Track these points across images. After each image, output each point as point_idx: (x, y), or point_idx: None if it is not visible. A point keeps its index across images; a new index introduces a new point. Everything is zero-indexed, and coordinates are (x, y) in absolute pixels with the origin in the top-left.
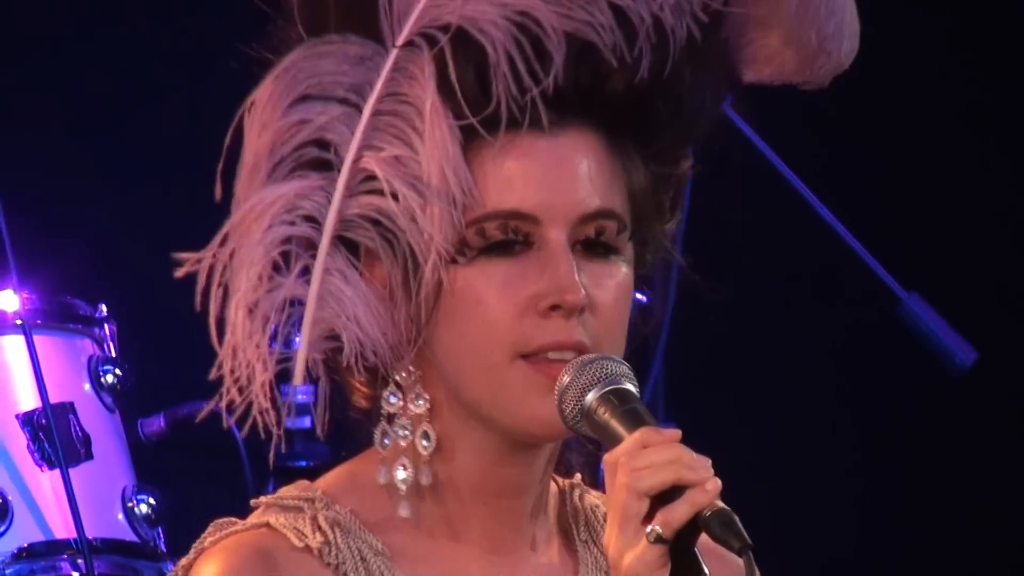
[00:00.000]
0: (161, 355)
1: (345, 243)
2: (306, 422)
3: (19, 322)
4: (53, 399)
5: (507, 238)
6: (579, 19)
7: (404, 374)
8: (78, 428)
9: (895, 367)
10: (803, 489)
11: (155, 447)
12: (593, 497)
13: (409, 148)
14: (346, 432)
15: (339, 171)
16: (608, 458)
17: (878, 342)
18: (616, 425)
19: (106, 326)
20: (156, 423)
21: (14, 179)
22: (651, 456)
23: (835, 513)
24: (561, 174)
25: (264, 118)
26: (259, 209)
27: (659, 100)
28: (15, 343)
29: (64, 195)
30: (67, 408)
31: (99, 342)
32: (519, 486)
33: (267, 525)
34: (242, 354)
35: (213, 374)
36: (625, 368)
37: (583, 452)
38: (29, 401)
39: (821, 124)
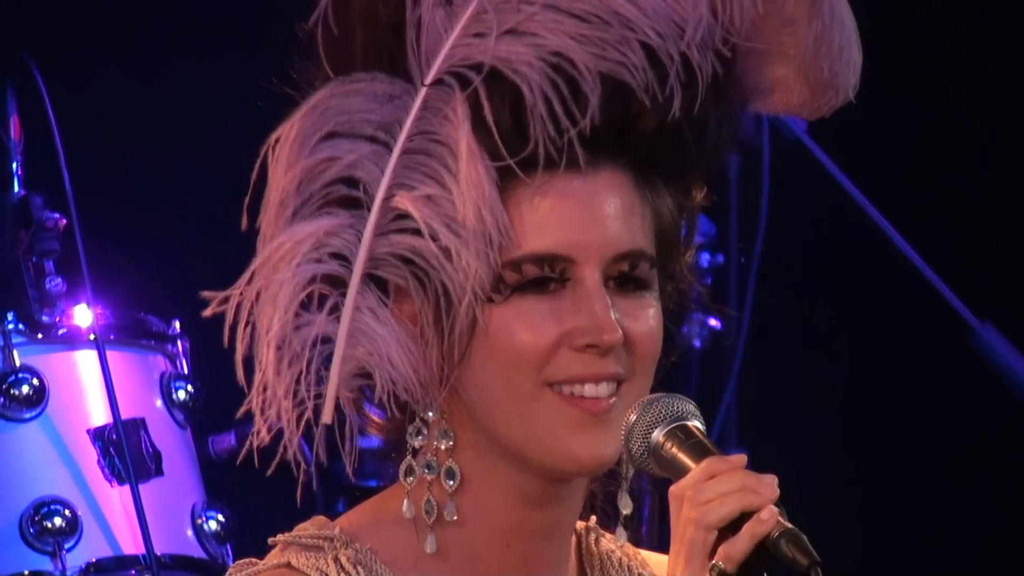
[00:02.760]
0: (233, 372)
1: (374, 281)
2: (375, 442)
3: (92, 337)
4: (125, 415)
5: (542, 276)
6: (613, 59)
7: (429, 414)
8: (149, 444)
9: (968, 396)
10: (878, 515)
11: (225, 464)
12: (607, 541)
13: (442, 187)
14: None
15: (368, 209)
16: (674, 490)
17: (951, 371)
18: (683, 458)
19: (179, 343)
20: (226, 440)
21: (91, 196)
22: (717, 487)
23: (914, 537)
24: (595, 213)
25: (292, 155)
26: (288, 247)
27: (687, 135)
28: (88, 358)
29: (140, 211)
30: (138, 424)
31: (172, 359)
32: (544, 530)
33: (288, 565)
34: (271, 391)
35: (241, 411)
36: (691, 406)
37: (602, 487)
38: (101, 416)
39: (897, 152)
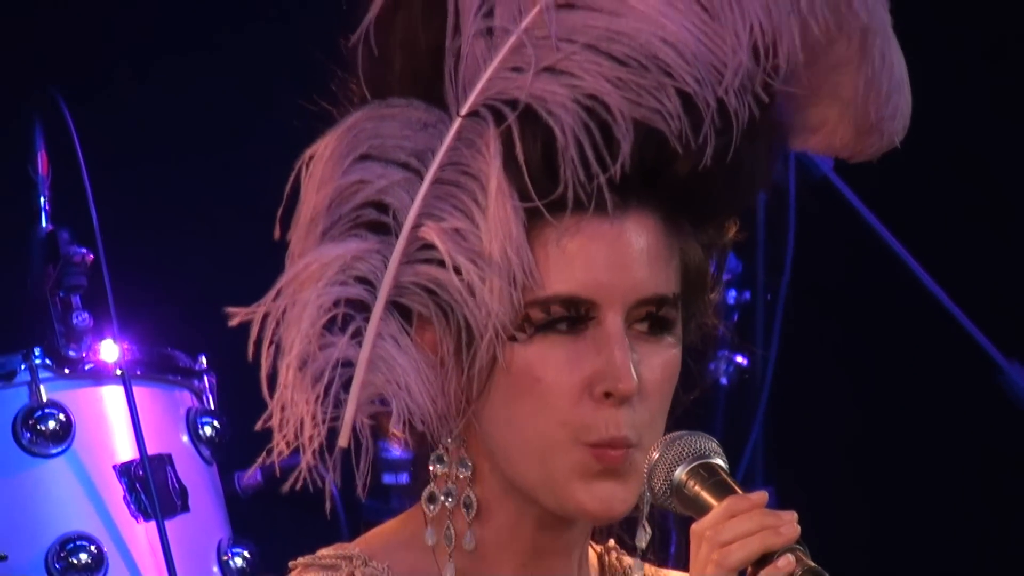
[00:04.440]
0: (259, 408)
1: (398, 307)
2: (403, 478)
3: (119, 372)
4: (151, 450)
5: (566, 317)
6: (648, 106)
7: (449, 441)
8: (175, 480)
9: (996, 434)
10: (905, 553)
11: (251, 500)
12: (628, 559)
13: (470, 221)
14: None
15: (396, 236)
16: (696, 528)
17: (979, 409)
18: (705, 496)
19: (205, 378)
20: (253, 476)
21: (118, 231)
22: (737, 527)
23: (935, 573)
24: (621, 257)
25: (324, 175)
26: (315, 267)
27: (718, 179)
28: (115, 393)
29: (167, 247)
30: (165, 460)
31: (198, 394)
32: (560, 550)
33: None
34: (290, 410)
35: (259, 426)
36: (714, 444)
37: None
38: (127, 452)
39: (925, 190)
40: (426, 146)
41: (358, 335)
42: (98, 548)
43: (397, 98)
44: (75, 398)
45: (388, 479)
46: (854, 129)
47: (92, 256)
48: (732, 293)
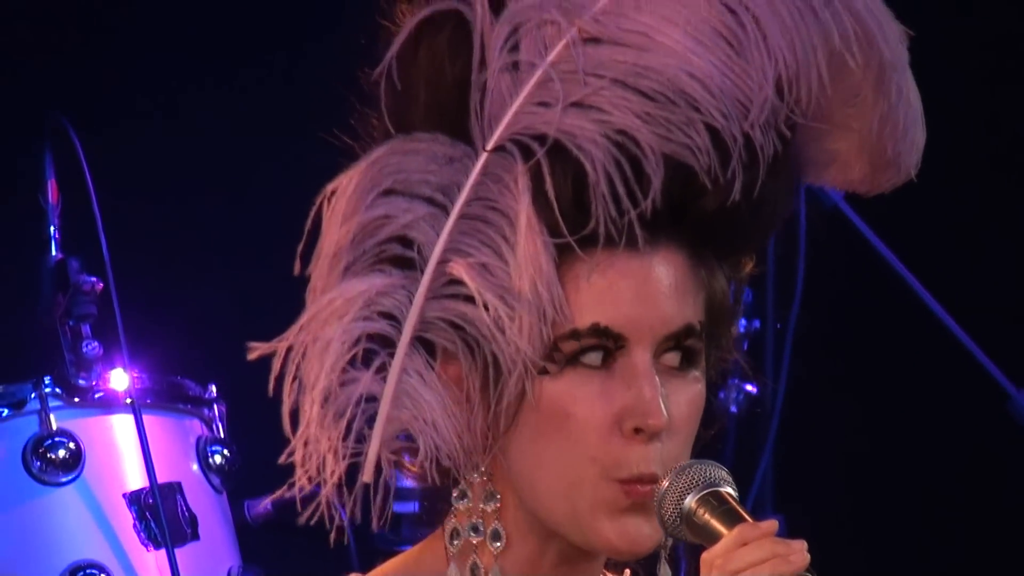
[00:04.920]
0: (269, 437)
1: (423, 342)
2: (413, 507)
3: (129, 401)
4: (161, 479)
5: (597, 346)
6: (677, 141)
7: (475, 476)
8: (185, 508)
9: (1006, 463)
10: None
11: (261, 529)
12: None
13: (498, 257)
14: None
15: (422, 271)
16: (706, 557)
17: (989, 437)
18: (716, 524)
19: (215, 407)
20: (263, 505)
21: (128, 260)
22: (747, 556)
23: None
24: (649, 292)
25: (348, 209)
26: (339, 303)
27: (744, 214)
28: (125, 422)
29: (177, 276)
30: (174, 488)
31: (208, 423)
32: (581, 573)
33: None
34: (313, 445)
35: (282, 460)
36: (724, 472)
37: None
38: (137, 480)
39: (935, 220)
40: (451, 181)
41: (382, 370)
42: None
43: (422, 132)
44: (85, 427)
45: (398, 507)
46: (870, 163)
47: (102, 285)
48: (742, 322)
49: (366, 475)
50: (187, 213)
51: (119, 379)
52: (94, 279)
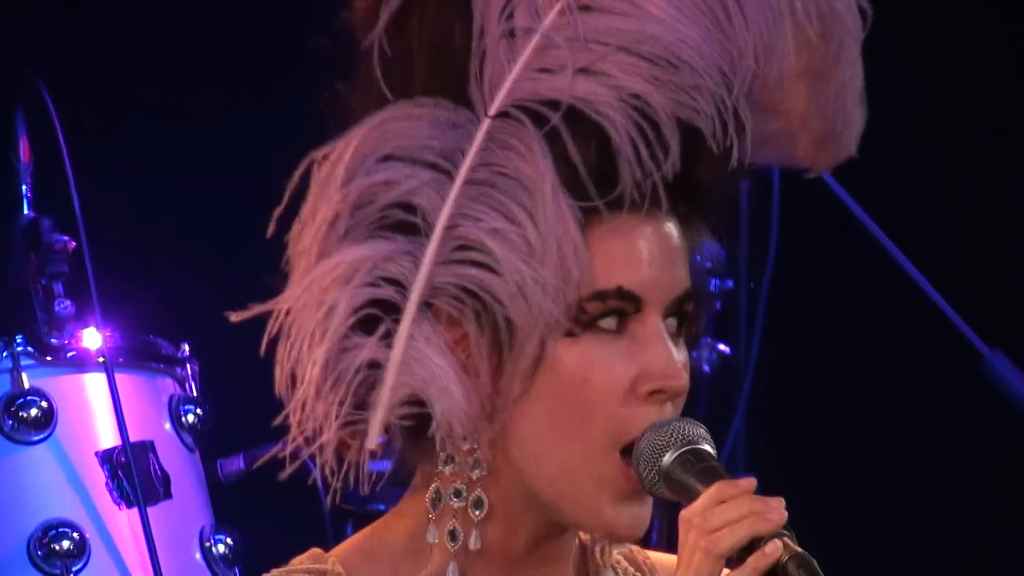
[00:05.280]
0: (242, 396)
1: (427, 308)
2: (386, 465)
3: (101, 360)
4: (133, 438)
5: (619, 310)
6: (687, 105)
7: (464, 443)
8: (157, 467)
9: (977, 424)
10: (888, 538)
11: (234, 488)
12: (616, 553)
13: (510, 222)
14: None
15: (427, 237)
16: (684, 514)
17: (961, 398)
18: (693, 482)
19: (188, 366)
20: (235, 464)
21: (101, 218)
22: (725, 514)
23: (918, 563)
24: (663, 255)
25: (347, 174)
26: (343, 268)
27: (731, 182)
28: (97, 381)
29: (150, 234)
30: (147, 447)
31: (181, 382)
32: (560, 555)
33: None
34: (310, 409)
35: (277, 422)
36: (702, 430)
37: None
38: (109, 439)
39: (909, 179)
40: (455, 146)
41: (387, 336)
42: (80, 535)
43: (424, 98)
44: (57, 385)
45: (371, 466)
46: (813, 139)
47: (74, 244)
48: (715, 281)
49: (370, 441)
50: (160, 172)
51: (91, 338)
52: (66, 238)
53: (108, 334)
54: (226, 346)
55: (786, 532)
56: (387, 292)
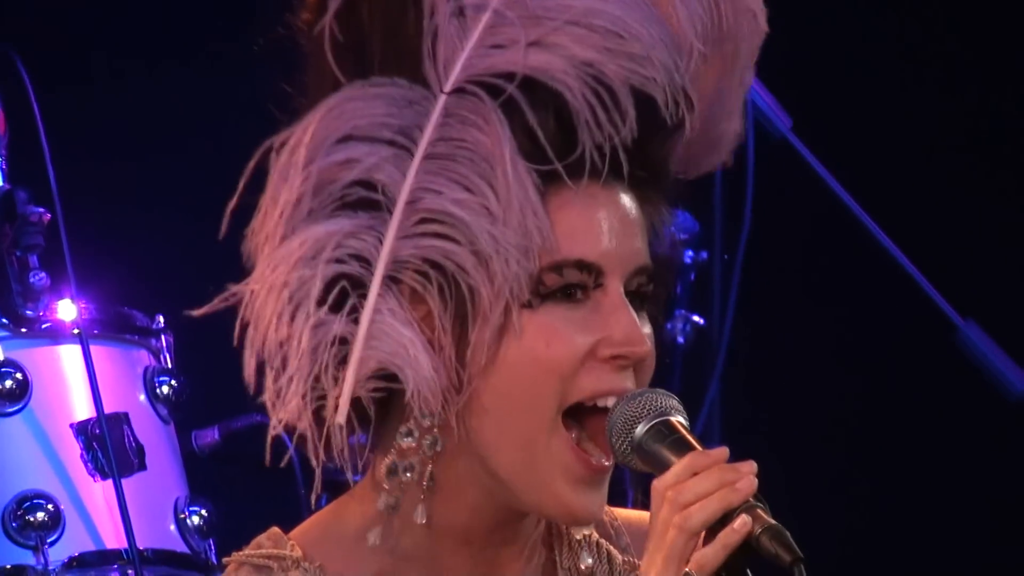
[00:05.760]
0: (217, 368)
1: (392, 283)
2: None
3: (76, 332)
4: (108, 409)
5: (577, 283)
6: (640, 74)
7: (426, 419)
8: (132, 439)
9: (951, 394)
10: (862, 510)
11: (208, 459)
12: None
13: (470, 193)
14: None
15: (389, 212)
16: (657, 485)
17: (934, 368)
18: (665, 453)
19: (163, 337)
20: (210, 435)
21: (76, 191)
22: (696, 487)
23: (891, 531)
24: (622, 225)
25: (307, 157)
26: (308, 246)
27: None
28: (72, 352)
29: (125, 207)
30: (122, 418)
31: (155, 353)
32: (514, 536)
33: None
34: (284, 388)
35: (256, 398)
36: (674, 401)
37: None
38: (84, 411)
39: (882, 150)
40: (412, 123)
41: (354, 312)
42: (55, 506)
43: (380, 77)
44: (32, 357)
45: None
46: (700, 140)
47: (50, 216)
48: (689, 253)
49: (340, 416)
50: (135, 145)
51: (66, 310)
52: (42, 210)
53: (83, 306)
54: (200, 318)
55: (759, 504)
56: (352, 268)
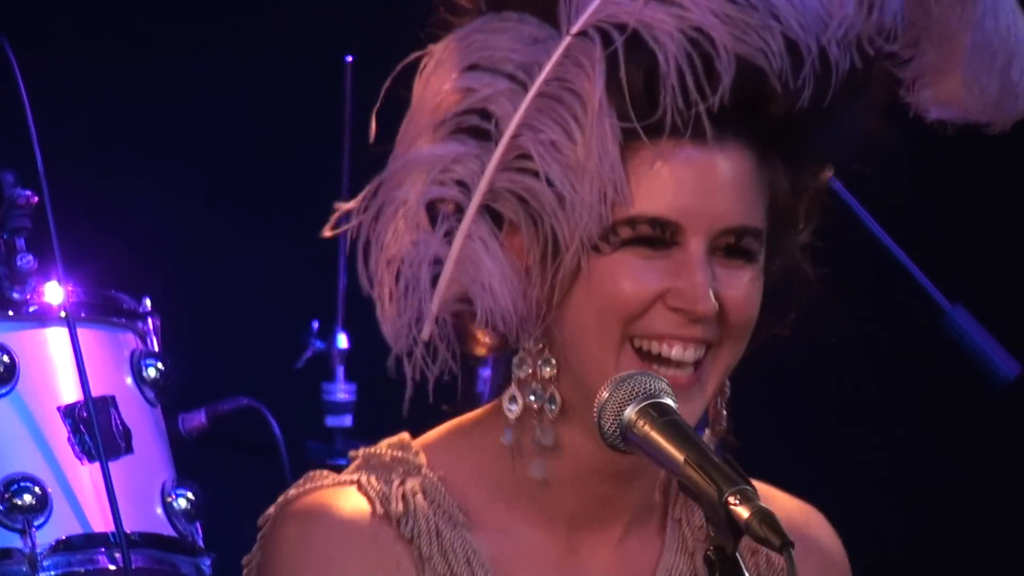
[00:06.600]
0: (204, 350)
1: (490, 212)
2: (347, 420)
3: (63, 314)
4: (95, 392)
5: (652, 236)
6: (752, 44)
7: (531, 343)
8: (119, 422)
9: (938, 378)
10: (845, 500)
11: (195, 442)
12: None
13: (567, 136)
14: (387, 431)
15: (496, 143)
16: None
17: (922, 353)
18: (655, 436)
19: (150, 320)
20: (197, 418)
21: (63, 174)
22: None
23: (879, 522)
24: (710, 184)
25: (435, 79)
26: (415, 166)
27: (814, 124)
28: (59, 335)
29: (111, 189)
30: (108, 401)
31: (142, 336)
32: (627, 473)
33: (357, 483)
34: (386, 306)
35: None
36: (664, 384)
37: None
38: (71, 394)
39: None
40: (534, 60)
41: (450, 234)
42: (42, 489)
43: (511, 12)
44: (19, 340)
45: (331, 421)
46: (978, 98)
47: (37, 198)
48: None
49: (425, 333)
50: (122, 127)
51: (53, 292)
52: (29, 192)
53: (70, 288)
54: (188, 300)
55: (749, 488)
56: (453, 192)
